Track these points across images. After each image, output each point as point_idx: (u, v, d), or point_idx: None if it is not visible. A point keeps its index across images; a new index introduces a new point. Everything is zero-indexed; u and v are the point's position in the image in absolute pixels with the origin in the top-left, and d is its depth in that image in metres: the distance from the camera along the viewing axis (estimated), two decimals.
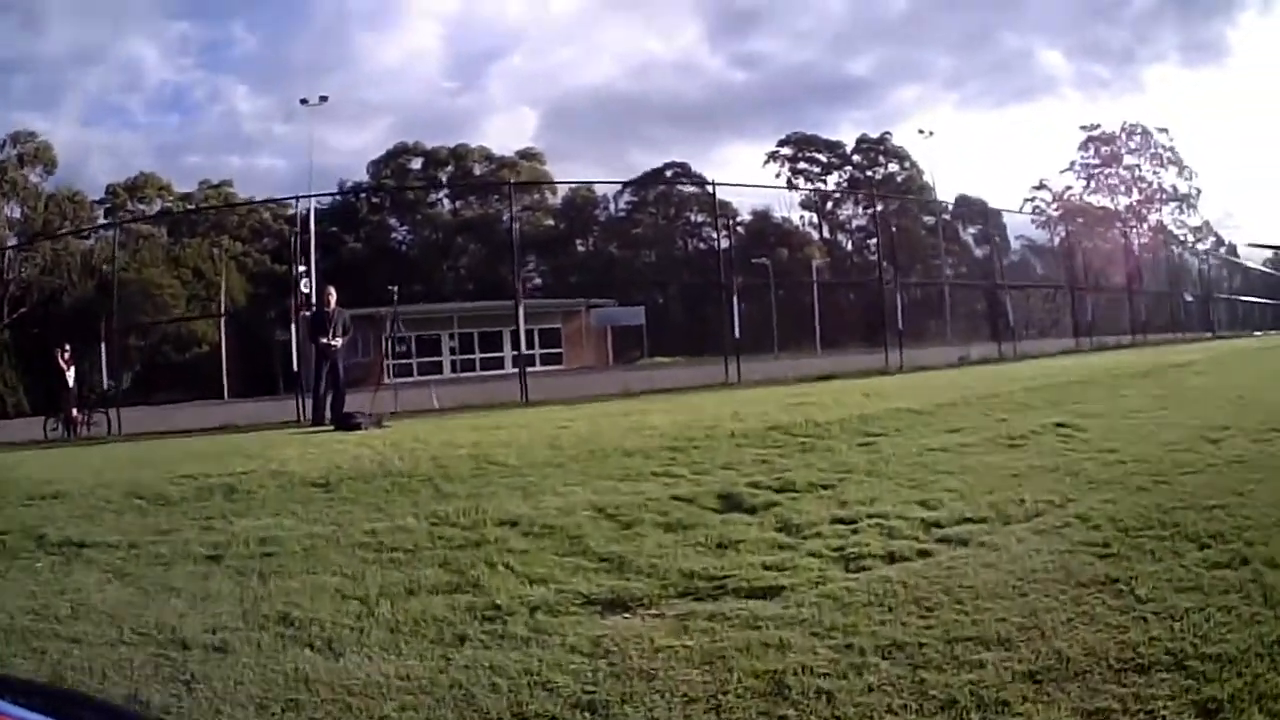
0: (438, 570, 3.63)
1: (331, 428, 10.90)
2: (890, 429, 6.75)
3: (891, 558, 3.42)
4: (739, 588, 3.14)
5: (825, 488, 4.74)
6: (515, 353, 15.06)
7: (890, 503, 4.27)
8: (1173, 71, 71.80)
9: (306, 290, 30.14)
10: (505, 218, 56.83)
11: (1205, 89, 72.95)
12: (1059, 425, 6.57)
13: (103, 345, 16.32)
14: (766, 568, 3.38)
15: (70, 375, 16.12)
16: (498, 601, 3.14)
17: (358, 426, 10.36)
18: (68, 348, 16.53)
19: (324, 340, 12.24)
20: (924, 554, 3.45)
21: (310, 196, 38.95)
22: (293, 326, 14.33)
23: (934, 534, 3.71)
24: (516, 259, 19.23)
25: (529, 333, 42.18)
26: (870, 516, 4.02)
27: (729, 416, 7.89)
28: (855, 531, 3.82)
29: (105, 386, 15.93)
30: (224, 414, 15.62)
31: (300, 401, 13.23)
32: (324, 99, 36.16)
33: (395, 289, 14.99)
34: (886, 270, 21.77)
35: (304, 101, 36.47)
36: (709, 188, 54.83)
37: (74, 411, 15.74)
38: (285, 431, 11.32)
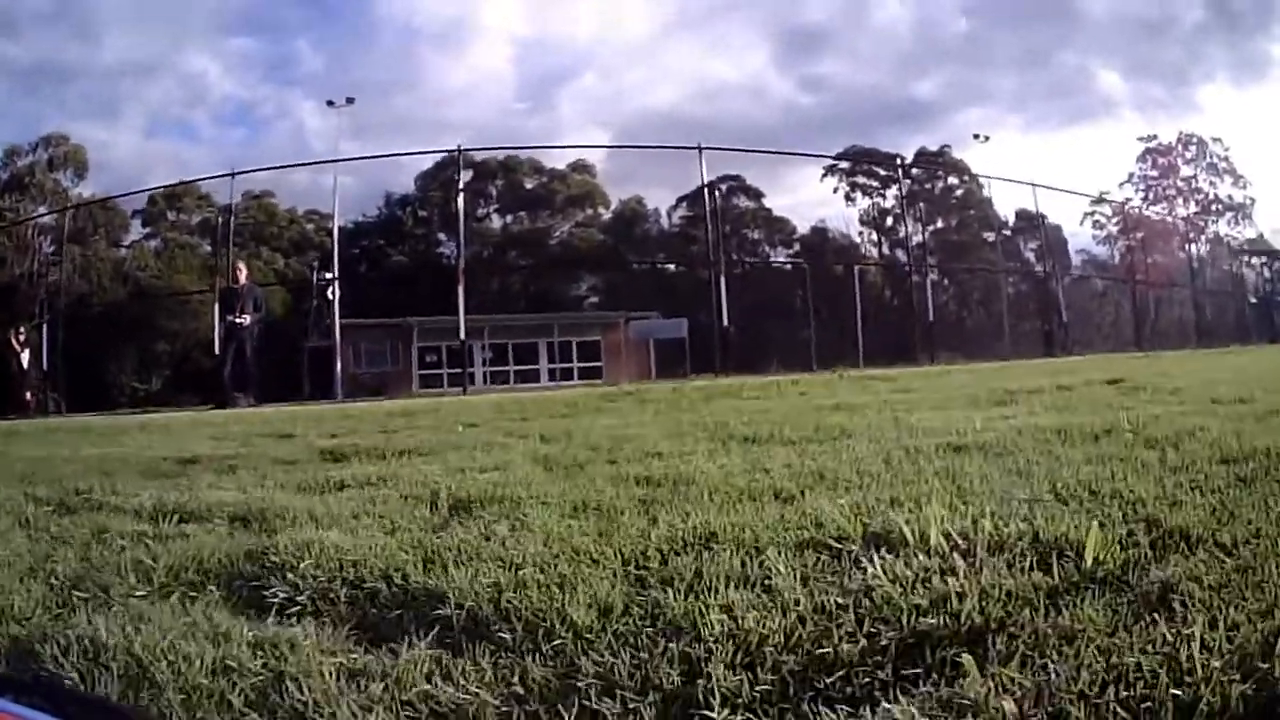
0: None
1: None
2: None
3: None
4: None
5: None
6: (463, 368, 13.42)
7: None
8: (1224, 90, 68.61)
9: (331, 297, 29.13)
10: (557, 233, 56.24)
11: (1254, 105, 69.16)
12: None
13: (44, 329, 15.65)
14: None
15: (25, 358, 15.71)
16: None
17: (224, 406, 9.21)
18: (22, 331, 16.36)
19: (231, 317, 11.10)
20: None
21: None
22: (216, 307, 13.19)
23: None
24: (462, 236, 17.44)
25: (565, 345, 40.90)
26: None
27: None
28: None
29: (43, 372, 15.32)
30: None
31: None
32: (350, 100, 35.17)
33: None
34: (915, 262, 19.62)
35: (330, 103, 35.58)
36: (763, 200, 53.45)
37: (27, 395, 15.36)
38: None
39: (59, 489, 4.03)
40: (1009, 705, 1.36)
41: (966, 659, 1.51)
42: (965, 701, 1.39)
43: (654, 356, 41.85)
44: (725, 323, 14.30)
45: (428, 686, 1.59)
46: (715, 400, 8.46)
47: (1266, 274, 37.37)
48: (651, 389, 9.90)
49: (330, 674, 1.63)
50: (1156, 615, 1.67)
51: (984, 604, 1.75)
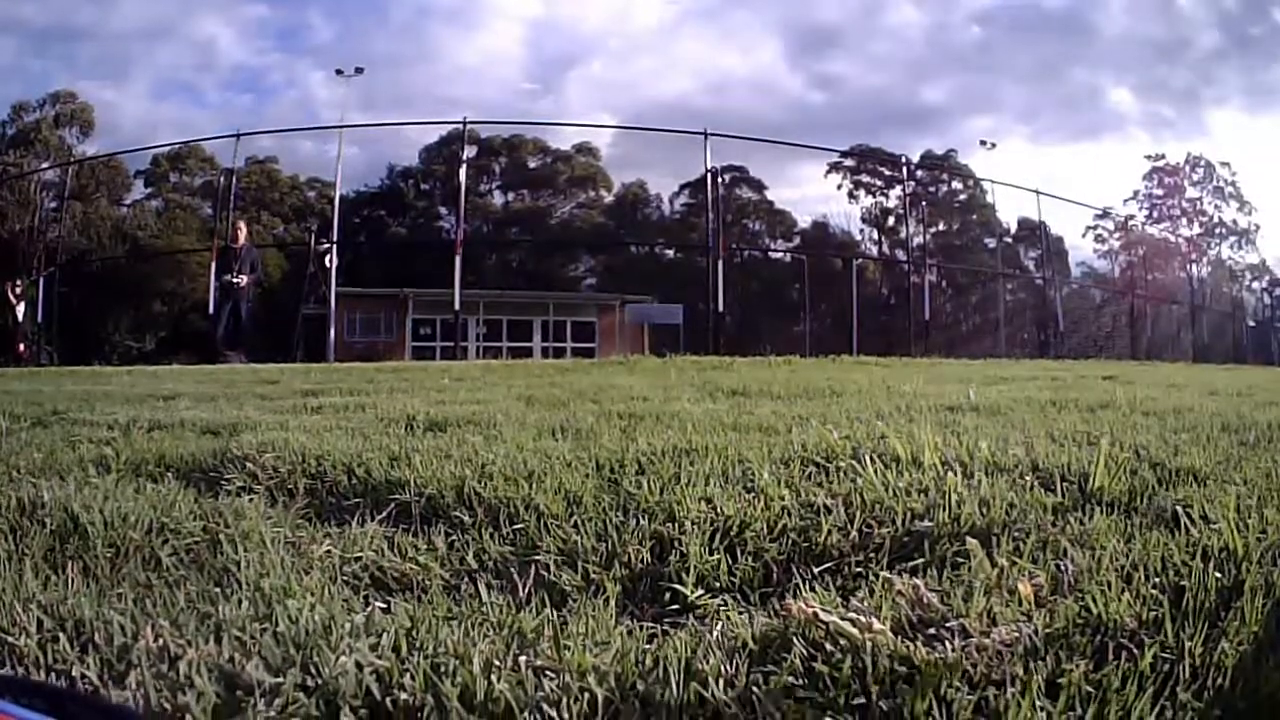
0: None
1: None
2: None
3: None
4: None
5: None
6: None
7: None
8: (1235, 115, 68.40)
9: (329, 265, 29.05)
10: (558, 213, 56.05)
11: (1265, 132, 69.19)
12: None
13: (41, 284, 15.61)
14: None
15: (20, 310, 15.54)
16: None
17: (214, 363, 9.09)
18: (18, 283, 16.15)
19: (227, 277, 11.09)
20: None
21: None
22: (213, 266, 13.20)
23: None
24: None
25: (560, 324, 40.78)
26: None
27: None
28: None
29: (38, 325, 15.26)
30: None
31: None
32: (359, 70, 34.62)
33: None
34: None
35: (339, 72, 35.04)
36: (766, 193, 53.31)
37: (20, 348, 15.13)
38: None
39: (36, 410, 3.90)
40: (1024, 588, 1.25)
41: (972, 543, 1.40)
42: (975, 582, 1.28)
43: (648, 340, 41.77)
44: (721, 309, 14.33)
45: (373, 555, 1.48)
46: (706, 371, 8.37)
47: (1267, 300, 37.92)
48: (642, 359, 9.82)
49: (270, 540, 1.51)
50: (1173, 529, 1.56)
51: (985, 510, 1.63)
